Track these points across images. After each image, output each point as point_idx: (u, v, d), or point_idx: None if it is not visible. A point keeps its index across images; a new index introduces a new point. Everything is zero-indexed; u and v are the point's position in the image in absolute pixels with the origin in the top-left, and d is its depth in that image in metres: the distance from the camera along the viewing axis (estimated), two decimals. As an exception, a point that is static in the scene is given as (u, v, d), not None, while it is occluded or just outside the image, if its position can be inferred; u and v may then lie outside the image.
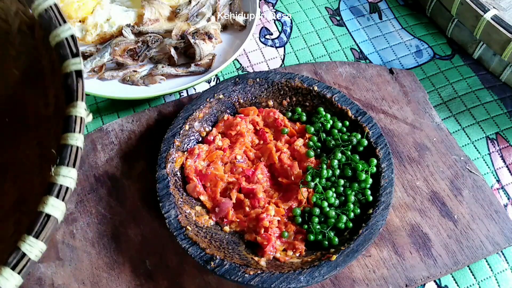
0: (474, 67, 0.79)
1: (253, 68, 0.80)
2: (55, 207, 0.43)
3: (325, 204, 0.61)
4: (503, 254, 0.63)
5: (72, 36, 0.49)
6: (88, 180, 0.66)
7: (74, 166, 0.44)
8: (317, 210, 0.61)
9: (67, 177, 0.44)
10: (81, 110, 0.46)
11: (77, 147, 0.45)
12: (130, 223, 0.63)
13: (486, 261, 0.63)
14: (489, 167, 0.70)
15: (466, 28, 0.78)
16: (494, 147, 0.72)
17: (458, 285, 0.62)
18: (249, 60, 0.81)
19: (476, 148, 0.72)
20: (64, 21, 0.50)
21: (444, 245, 0.61)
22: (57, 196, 0.43)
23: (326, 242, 0.59)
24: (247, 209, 0.61)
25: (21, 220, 0.47)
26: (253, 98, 0.70)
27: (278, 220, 0.61)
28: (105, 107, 0.75)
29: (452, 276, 0.62)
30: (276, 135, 0.68)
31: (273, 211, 0.60)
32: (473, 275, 0.62)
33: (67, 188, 0.44)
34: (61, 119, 0.47)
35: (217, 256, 0.56)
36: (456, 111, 0.75)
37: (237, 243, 0.60)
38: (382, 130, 0.69)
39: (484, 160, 0.71)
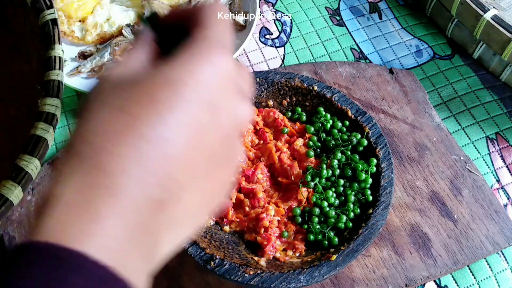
0: (474, 67, 0.79)
1: (253, 68, 0.80)
2: (44, 130, 0.49)
3: (325, 204, 0.61)
4: (503, 254, 0.63)
5: None
6: (88, 180, 0.66)
7: (57, 97, 0.51)
8: (317, 210, 0.61)
9: (52, 105, 0.50)
10: (58, 51, 0.53)
11: (59, 81, 0.52)
12: (130, 223, 0.63)
13: (486, 261, 0.63)
14: (489, 167, 0.70)
15: (466, 28, 0.78)
16: (494, 147, 0.72)
17: (458, 285, 0.62)
18: (249, 60, 0.81)
19: (476, 148, 0.72)
20: None
21: (444, 245, 0.61)
22: (45, 121, 0.50)
23: (326, 242, 0.59)
24: (247, 209, 0.61)
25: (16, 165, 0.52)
26: (253, 98, 0.70)
27: (278, 220, 0.61)
28: (105, 107, 0.75)
29: (452, 276, 0.62)
30: (276, 135, 0.68)
31: (273, 211, 0.60)
32: (473, 275, 0.62)
33: (53, 114, 0.50)
34: (42, 71, 0.53)
35: (217, 256, 0.56)
36: (456, 111, 0.75)
37: (237, 243, 0.60)
38: (382, 130, 0.69)
39: (484, 160, 0.71)
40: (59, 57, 0.53)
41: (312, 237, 0.59)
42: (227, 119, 0.31)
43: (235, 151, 0.33)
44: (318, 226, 0.60)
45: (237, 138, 0.33)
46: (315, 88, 0.69)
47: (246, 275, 0.55)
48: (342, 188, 0.62)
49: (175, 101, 0.28)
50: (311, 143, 0.66)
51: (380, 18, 0.86)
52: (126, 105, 0.27)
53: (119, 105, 0.27)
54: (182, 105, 0.28)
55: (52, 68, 0.52)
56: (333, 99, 0.68)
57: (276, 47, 0.83)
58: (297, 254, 0.59)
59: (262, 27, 0.85)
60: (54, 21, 0.55)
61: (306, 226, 0.60)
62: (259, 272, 0.55)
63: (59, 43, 0.54)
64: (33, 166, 0.48)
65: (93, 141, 0.26)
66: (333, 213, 0.60)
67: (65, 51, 0.78)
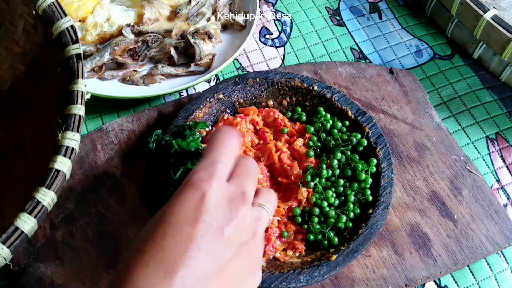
0: (474, 67, 0.79)
1: (253, 68, 0.80)
2: (63, 164, 0.51)
3: (325, 204, 0.61)
4: (503, 254, 0.63)
5: (72, 26, 0.58)
6: (88, 179, 0.66)
7: (77, 131, 0.53)
8: (317, 210, 0.61)
9: (72, 139, 0.52)
10: (81, 86, 0.55)
11: (80, 116, 0.53)
12: (130, 223, 0.63)
13: (486, 261, 0.63)
14: (489, 167, 0.70)
15: (466, 28, 0.78)
16: (494, 147, 0.72)
17: (458, 285, 0.62)
18: (249, 60, 0.81)
19: (476, 148, 0.72)
20: (65, 14, 0.59)
21: (444, 245, 0.61)
22: (65, 155, 0.51)
23: (326, 242, 0.59)
24: (247, 209, 0.61)
25: (30, 187, 0.52)
26: (253, 98, 0.70)
27: (278, 220, 0.61)
28: (105, 107, 0.75)
29: (452, 276, 0.62)
30: (276, 135, 0.68)
31: (273, 211, 0.60)
32: (473, 275, 0.62)
33: (73, 148, 0.52)
34: (62, 101, 0.55)
35: (217, 256, 0.56)
36: (456, 111, 0.75)
37: (237, 243, 0.60)
38: (382, 130, 0.69)
39: (484, 160, 0.71)
40: (82, 91, 0.55)
41: (312, 237, 0.59)
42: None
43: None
44: (318, 226, 0.60)
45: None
46: (315, 88, 0.69)
47: (246, 275, 0.55)
48: (342, 188, 0.62)
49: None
50: (311, 143, 0.66)
51: (380, 18, 0.86)
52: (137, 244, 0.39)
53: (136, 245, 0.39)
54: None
55: (74, 102, 0.54)
56: (333, 99, 0.68)
57: (276, 47, 0.83)
58: (297, 254, 0.59)
59: (262, 27, 0.85)
60: (79, 56, 0.56)
61: (306, 226, 0.60)
62: (259, 272, 0.55)
63: (82, 78, 0.56)
64: (49, 199, 0.49)
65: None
66: (333, 213, 0.61)
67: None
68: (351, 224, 0.60)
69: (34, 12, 0.60)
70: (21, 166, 0.61)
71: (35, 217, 0.49)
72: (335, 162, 0.64)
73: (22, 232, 0.48)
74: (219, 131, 0.44)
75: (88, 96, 0.56)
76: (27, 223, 0.48)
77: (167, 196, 0.60)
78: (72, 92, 0.54)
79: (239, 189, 0.41)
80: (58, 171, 0.50)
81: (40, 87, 0.62)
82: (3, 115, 0.65)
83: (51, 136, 0.54)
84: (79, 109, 0.53)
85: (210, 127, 0.68)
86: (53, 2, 0.59)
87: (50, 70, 0.60)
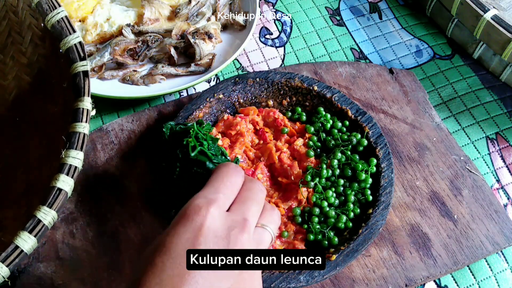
0: (474, 67, 0.79)
1: (253, 68, 0.80)
2: (65, 183, 0.51)
3: (325, 204, 0.61)
4: (503, 254, 0.63)
5: (80, 43, 0.58)
6: (88, 179, 0.66)
7: (81, 150, 0.53)
8: (317, 210, 0.61)
9: (76, 158, 0.52)
10: (87, 103, 0.54)
11: (84, 134, 0.53)
12: (130, 223, 0.63)
13: (486, 261, 0.63)
14: (489, 167, 0.70)
15: (466, 28, 0.78)
16: (494, 147, 0.72)
17: (458, 285, 0.62)
18: (249, 60, 0.81)
19: (476, 148, 0.72)
20: (74, 31, 0.59)
21: (444, 245, 0.61)
22: (67, 174, 0.51)
23: (326, 242, 0.59)
24: (247, 209, 0.61)
25: (32, 202, 0.53)
26: (253, 97, 0.70)
27: (278, 220, 0.61)
28: (105, 107, 0.75)
29: (452, 276, 0.62)
30: (276, 135, 0.68)
31: (273, 211, 0.60)
32: (473, 275, 0.62)
33: (76, 167, 0.52)
34: (67, 116, 0.55)
35: (217, 256, 0.56)
36: (456, 111, 0.75)
37: (237, 242, 0.60)
38: (382, 130, 0.69)
39: (484, 160, 0.71)
40: (87, 109, 0.54)
41: (312, 237, 0.59)
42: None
43: None
44: (318, 226, 0.60)
45: None
46: (315, 88, 0.69)
47: (246, 275, 0.55)
48: (342, 188, 0.62)
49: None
50: (311, 143, 0.66)
51: (380, 18, 0.86)
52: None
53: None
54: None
55: (79, 120, 0.53)
56: (333, 99, 0.68)
57: (276, 47, 0.83)
58: (297, 254, 0.59)
59: (262, 27, 0.85)
60: (86, 73, 0.56)
61: (306, 226, 0.60)
62: (259, 272, 0.55)
63: (88, 95, 0.55)
64: (50, 218, 0.49)
65: None
66: (333, 213, 0.61)
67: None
68: (351, 224, 0.60)
69: (42, 24, 0.60)
70: (25, 180, 0.61)
71: (35, 236, 0.49)
72: (335, 162, 0.64)
73: (22, 251, 0.48)
74: (225, 165, 0.44)
75: (93, 113, 0.56)
76: (27, 242, 0.48)
77: (170, 193, 0.60)
78: (77, 109, 0.54)
79: (240, 215, 0.40)
80: (60, 189, 0.50)
81: (45, 100, 0.62)
82: (8, 126, 0.65)
83: (54, 151, 0.54)
84: (83, 128, 0.53)
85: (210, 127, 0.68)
86: (62, 18, 0.59)
87: (56, 83, 0.60)
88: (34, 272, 0.59)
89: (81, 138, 0.53)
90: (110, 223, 0.63)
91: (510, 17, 0.75)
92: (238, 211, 0.41)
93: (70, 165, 0.51)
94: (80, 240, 0.61)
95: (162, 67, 0.74)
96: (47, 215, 0.49)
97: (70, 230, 0.62)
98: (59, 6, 0.60)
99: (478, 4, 0.74)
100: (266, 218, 0.44)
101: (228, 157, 0.60)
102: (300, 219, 0.61)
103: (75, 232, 0.62)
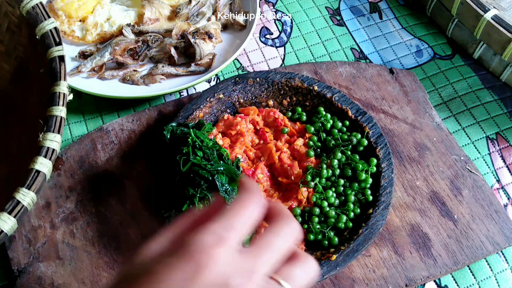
0: (474, 67, 0.79)
1: (253, 68, 0.80)
2: (43, 165, 0.51)
3: (325, 203, 0.61)
4: (503, 254, 0.63)
5: (56, 28, 0.58)
6: (88, 179, 0.66)
7: (58, 132, 0.53)
8: (317, 210, 0.61)
9: (53, 141, 0.52)
10: (63, 87, 0.55)
11: (61, 117, 0.53)
12: (130, 223, 0.63)
13: (486, 261, 0.63)
14: (489, 167, 0.70)
15: (466, 28, 0.78)
16: (494, 147, 0.72)
17: (458, 285, 0.62)
18: (249, 60, 0.81)
19: (476, 148, 0.72)
20: (49, 16, 0.59)
21: (444, 245, 0.61)
22: (45, 156, 0.51)
23: (326, 242, 0.59)
24: (247, 208, 0.61)
25: (13, 188, 0.53)
26: (253, 97, 0.70)
27: (278, 220, 0.61)
28: (105, 107, 0.75)
29: (452, 276, 0.62)
30: (276, 134, 0.68)
31: (273, 210, 0.60)
32: (473, 275, 0.62)
33: (53, 150, 0.52)
34: (45, 102, 0.55)
35: (217, 256, 0.56)
36: (456, 111, 0.75)
37: (237, 242, 0.60)
38: (382, 130, 0.69)
39: (484, 160, 0.71)
40: (64, 93, 0.55)
41: (312, 237, 0.59)
42: None
43: None
44: (318, 226, 0.60)
45: None
46: (315, 88, 0.69)
47: (246, 275, 0.55)
48: (342, 188, 0.62)
49: None
50: (311, 143, 0.66)
51: (381, 18, 0.86)
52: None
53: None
54: None
55: (56, 104, 0.54)
56: (333, 99, 0.68)
57: (277, 47, 0.83)
58: (297, 254, 0.59)
59: (262, 27, 0.85)
60: (62, 58, 0.56)
61: (306, 226, 0.60)
62: (259, 272, 0.55)
63: (64, 80, 0.56)
64: (29, 199, 0.50)
65: None
66: (333, 213, 0.60)
67: (65, 50, 0.78)
68: (351, 224, 0.60)
69: (18, 12, 0.60)
70: (6, 168, 0.62)
71: (14, 217, 0.49)
72: (335, 162, 0.64)
73: (2, 231, 0.49)
74: (245, 192, 0.36)
75: (70, 97, 0.56)
76: (6, 223, 0.49)
77: (170, 193, 0.60)
78: (54, 93, 0.54)
79: (251, 264, 0.33)
80: (38, 171, 0.51)
81: (25, 88, 0.62)
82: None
83: (34, 137, 0.55)
84: (60, 111, 0.54)
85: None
86: (37, 4, 0.59)
87: (34, 70, 0.60)
88: (34, 271, 0.59)
89: (58, 121, 0.53)
90: (110, 223, 0.63)
91: (510, 17, 0.75)
92: (250, 258, 0.33)
93: (48, 147, 0.52)
94: (80, 240, 0.61)
95: (162, 67, 0.74)
96: (26, 196, 0.50)
97: (70, 230, 0.62)
98: None
99: (478, 4, 0.74)
100: (289, 271, 0.35)
101: (229, 161, 0.60)
102: (300, 219, 0.61)
103: (75, 232, 0.62)
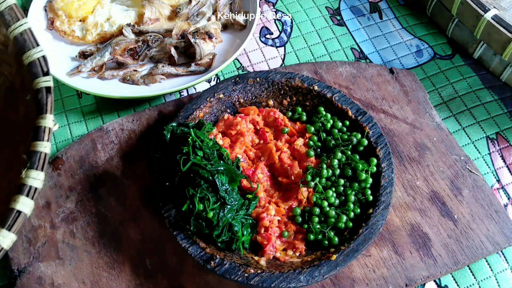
0: (475, 67, 0.79)
1: (253, 68, 0.80)
2: (25, 205, 0.49)
3: (325, 203, 0.61)
4: (503, 254, 0.63)
5: (44, 57, 0.55)
6: (88, 179, 0.66)
7: (42, 170, 0.51)
8: (317, 210, 0.61)
9: (36, 179, 0.50)
10: (49, 121, 0.52)
11: (45, 154, 0.51)
12: (130, 223, 0.63)
13: (486, 261, 0.63)
14: (489, 167, 0.70)
15: (466, 28, 0.78)
16: (494, 147, 0.72)
17: (458, 285, 0.62)
18: (249, 60, 0.81)
19: (476, 148, 0.72)
20: (37, 44, 0.56)
21: (444, 245, 0.61)
22: (27, 195, 0.49)
23: (326, 242, 0.59)
24: (247, 208, 0.61)
25: None
26: (254, 97, 0.70)
27: (278, 220, 0.61)
28: (105, 106, 0.75)
29: (452, 276, 0.62)
30: (276, 134, 0.68)
31: (273, 210, 0.60)
32: (473, 275, 0.62)
33: (36, 188, 0.50)
34: (30, 128, 0.52)
35: (217, 256, 0.56)
36: (456, 111, 0.75)
37: (237, 242, 0.60)
38: (382, 130, 0.69)
39: (484, 160, 0.71)
40: (49, 128, 0.52)
41: (312, 236, 0.59)
42: None
43: None
44: (318, 226, 0.60)
45: None
46: (316, 88, 0.69)
47: (246, 274, 0.55)
48: (342, 188, 0.62)
49: None
50: (311, 142, 0.66)
51: (381, 18, 0.86)
52: None
53: None
54: None
55: (40, 139, 0.51)
56: (333, 99, 0.68)
57: (277, 47, 0.83)
58: (297, 254, 0.59)
59: (262, 27, 0.85)
60: (49, 89, 0.53)
61: (306, 226, 0.60)
62: (259, 271, 0.55)
63: (51, 113, 0.53)
64: (9, 241, 0.48)
65: None
66: (333, 213, 0.60)
67: (66, 50, 0.78)
68: (351, 224, 0.60)
69: (5, 30, 0.57)
70: None
71: None
72: (336, 161, 0.64)
73: None
74: None
75: (55, 128, 0.53)
76: None
77: (170, 193, 0.60)
78: (39, 127, 0.52)
79: None
80: (19, 212, 0.48)
81: (8, 107, 0.60)
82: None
83: (17, 159, 0.52)
84: (44, 147, 0.51)
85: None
86: (25, 30, 0.56)
87: (19, 91, 0.57)
88: (34, 271, 0.59)
89: (42, 158, 0.51)
90: (110, 223, 0.63)
91: (510, 17, 0.75)
92: None
93: (30, 186, 0.49)
94: (80, 240, 0.62)
95: (163, 66, 0.74)
96: (5, 238, 0.48)
97: (70, 230, 0.62)
98: (23, 17, 0.56)
99: (479, 4, 0.74)
100: None
101: (230, 161, 0.60)
102: (300, 219, 0.61)
103: (75, 232, 0.62)
